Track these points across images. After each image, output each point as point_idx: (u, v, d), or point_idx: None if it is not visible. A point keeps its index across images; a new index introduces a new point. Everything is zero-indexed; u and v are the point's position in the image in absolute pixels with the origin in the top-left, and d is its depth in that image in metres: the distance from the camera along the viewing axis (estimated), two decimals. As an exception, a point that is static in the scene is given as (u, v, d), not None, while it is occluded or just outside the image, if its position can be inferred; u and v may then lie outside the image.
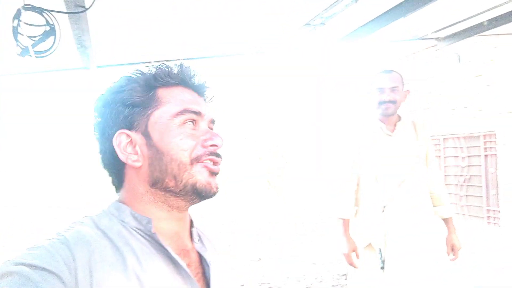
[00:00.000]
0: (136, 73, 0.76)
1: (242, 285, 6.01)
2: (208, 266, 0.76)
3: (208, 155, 0.74)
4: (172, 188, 0.72)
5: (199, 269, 0.77)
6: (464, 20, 2.73)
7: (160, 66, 0.77)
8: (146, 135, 0.73)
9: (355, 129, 2.32)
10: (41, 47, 1.30)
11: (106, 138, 0.73)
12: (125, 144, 0.72)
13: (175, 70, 0.77)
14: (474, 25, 2.83)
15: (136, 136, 0.73)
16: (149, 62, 2.56)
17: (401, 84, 2.24)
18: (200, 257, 0.78)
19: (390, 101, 2.18)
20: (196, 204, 0.77)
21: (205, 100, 0.81)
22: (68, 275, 0.59)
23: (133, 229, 0.70)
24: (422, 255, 2.14)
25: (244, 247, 7.53)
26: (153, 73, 0.75)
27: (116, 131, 0.72)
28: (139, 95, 0.73)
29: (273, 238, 7.86)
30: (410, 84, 6.96)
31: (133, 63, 2.52)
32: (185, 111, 0.74)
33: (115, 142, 0.72)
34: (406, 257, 2.13)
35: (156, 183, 0.73)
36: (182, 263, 0.71)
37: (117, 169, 0.74)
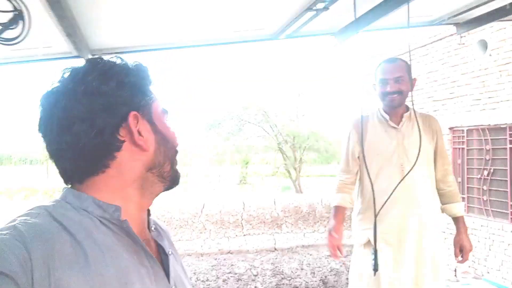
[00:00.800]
0: (131, 63, 0.76)
1: (256, 275, 5.99)
2: (166, 255, 0.77)
3: (177, 150, 0.80)
4: (165, 173, 0.76)
5: (158, 259, 0.76)
6: (485, 3, 2.53)
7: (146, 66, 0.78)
8: (151, 122, 0.75)
9: (357, 119, 2.16)
10: (10, 34, 1.24)
11: (111, 115, 0.69)
12: (136, 124, 0.71)
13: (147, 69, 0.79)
14: (496, 9, 2.62)
15: (143, 121, 0.73)
16: (147, 51, 2.49)
17: (406, 73, 2.08)
18: (157, 247, 0.79)
19: (395, 92, 2.04)
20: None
21: None
22: (23, 277, 0.55)
23: (96, 218, 0.67)
24: (416, 260, 2.01)
25: (258, 236, 7.50)
26: (150, 71, 0.78)
27: (127, 111, 0.70)
28: (149, 84, 0.76)
29: (289, 228, 7.79)
30: (432, 73, 6.65)
31: (128, 52, 2.46)
32: (166, 110, 0.79)
33: (132, 122, 0.71)
34: (399, 260, 2.00)
35: (154, 168, 0.74)
36: (150, 253, 0.71)
37: (108, 151, 0.69)
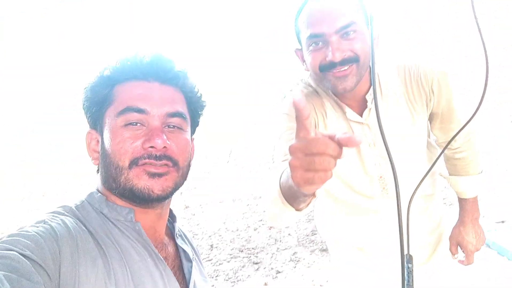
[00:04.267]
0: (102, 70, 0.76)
1: None
2: (187, 261, 0.81)
3: (147, 157, 0.71)
4: (114, 190, 0.73)
5: (176, 262, 0.81)
6: None
7: (119, 61, 0.75)
8: (101, 134, 0.75)
9: (300, 101, 0.82)
10: None
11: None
12: (90, 142, 0.77)
13: (129, 63, 0.75)
14: None
15: (97, 135, 0.76)
16: None
17: (359, 16, 1.06)
18: (177, 252, 0.83)
19: (343, 61, 1.03)
20: (155, 204, 0.75)
21: (179, 88, 0.78)
22: (53, 270, 0.60)
23: (110, 221, 0.72)
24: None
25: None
26: (110, 69, 0.76)
27: (87, 131, 0.78)
28: (95, 95, 0.75)
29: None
30: None
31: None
32: (127, 109, 0.72)
33: (86, 140, 0.77)
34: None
35: (105, 183, 0.75)
36: (160, 257, 0.74)
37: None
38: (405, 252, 0.85)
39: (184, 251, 0.83)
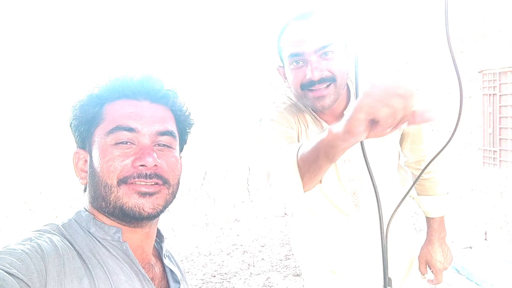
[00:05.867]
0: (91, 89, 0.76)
1: (263, 246, 5.42)
2: (175, 282, 0.82)
3: (137, 176, 0.71)
4: (104, 209, 0.72)
5: (162, 283, 0.80)
6: None
7: (108, 79, 0.75)
8: (90, 153, 0.74)
9: (286, 111, 1.24)
10: None
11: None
12: (78, 161, 0.76)
13: (119, 82, 0.75)
14: None
15: (86, 154, 0.76)
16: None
17: (338, 38, 1.12)
18: (164, 273, 0.82)
19: (321, 80, 1.09)
20: (143, 223, 0.75)
21: (169, 107, 0.78)
22: None
23: (97, 240, 0.71)
24: None
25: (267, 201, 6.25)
26: (100, 88, 0.76)
27: (74, 151, 0.77)
28: (84, 113, 0.74)
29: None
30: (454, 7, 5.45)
31: None
32: (117, 128, 0.72)
33: (72, 160, 0.77)
34: None
35: (93, 202, 0.74)
36: (147, 277, 0.73)
37: None
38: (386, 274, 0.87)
39: (172, 271, 0.82)
